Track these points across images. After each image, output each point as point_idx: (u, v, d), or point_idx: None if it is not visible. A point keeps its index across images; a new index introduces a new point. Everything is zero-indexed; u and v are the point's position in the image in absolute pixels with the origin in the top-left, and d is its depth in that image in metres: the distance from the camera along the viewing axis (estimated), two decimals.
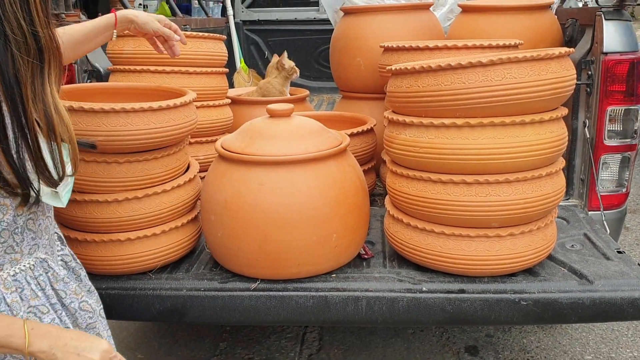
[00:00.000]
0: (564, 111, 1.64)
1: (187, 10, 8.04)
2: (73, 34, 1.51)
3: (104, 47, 2.39)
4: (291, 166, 1.56)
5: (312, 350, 2.96)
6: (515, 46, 2.05)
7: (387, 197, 1.88)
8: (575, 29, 2.54)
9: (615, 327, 3.11)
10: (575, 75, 1.62)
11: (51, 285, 1.14)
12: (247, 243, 1.58)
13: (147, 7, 6.05)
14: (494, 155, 1.52)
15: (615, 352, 2.92)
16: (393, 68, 1.67)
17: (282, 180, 1.55)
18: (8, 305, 1.05)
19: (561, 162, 1.69)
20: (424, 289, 1.64)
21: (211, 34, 2.24)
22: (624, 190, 2.29)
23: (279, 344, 3.00)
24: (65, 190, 1.07)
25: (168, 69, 2.13)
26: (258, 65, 4.67)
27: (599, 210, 2.22)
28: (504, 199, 1.56)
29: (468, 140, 1.53)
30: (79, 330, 1.17)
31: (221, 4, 5.18)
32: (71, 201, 1.54)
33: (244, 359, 2.86)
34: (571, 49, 1.59)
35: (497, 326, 3.16)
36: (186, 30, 3.33)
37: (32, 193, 0.99)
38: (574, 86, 1.62)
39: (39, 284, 1.11)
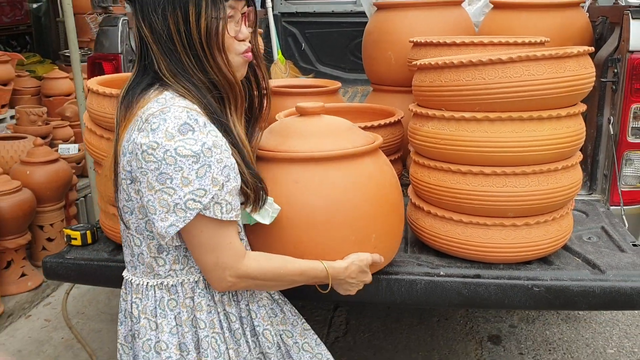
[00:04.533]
0: (582, 107, 1.71)
1: None
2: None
3: None
4: (327, 163, 1.48)
5: (338, 334, 3.08)
6: (542, 43, 2.11)
7: (410, 186, 1.97)
8: (605, 26, 2.57)
9: None
10: (594, 73, 1.69)
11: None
12: (282, 243, 1.48)
13: None
14: (511, 148, 1.61)
15: (639, 347, 2.96)
16: (418, 63, 1.76)
17: (318, 178, 1.47)
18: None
19: (578, 157, 1.76)
20: (442, 273, 1.74)
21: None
22: None
23: None
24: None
25: None
26: (295, 56, 4.77)
27: (623, 207, 2.27)
28: (520, 190, 1.65)
29: (487, 134, 1.62)
30: None
31: None
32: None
33: None
34: (590, 48, 1.66)
35: (520, 317, 3.23)
36: None
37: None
38: (592, 84, 1.69)
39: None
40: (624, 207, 2.26)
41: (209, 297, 1.34)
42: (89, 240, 1.92)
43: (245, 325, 1.41)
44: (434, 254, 1.85)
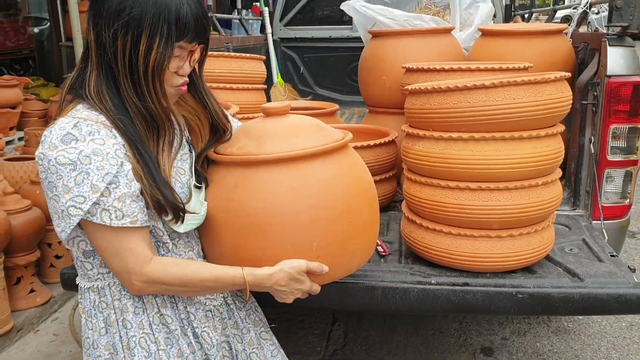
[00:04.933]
0: (560, 128, 1.86)
1: (227, 24, 8.43)
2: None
3: None
4: (266, 166, 1.39)
5: (337, 346, 3.19)
6: (525, 69, 2.28)
7: (404, 201, 2.12)
8: (587, 52, 2.74)
9: (627, 335, 3.26)
10: (570, 97, 1.84)
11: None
12: (224, 248, 1.43)
13: None
14: (494, 166, 1.76)
15: (626, 359, 3.07)
16: (409, 88, 1.92)
17: (256, 181, 1.39)
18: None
19: (558, 173, 1.91)
20: (433, 281, 1.88)
21: (253, 55, 2.53)
22: (627, 202, 2.48)
23: (307, 340, 3.24)
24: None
25: (214, 85, 2.42)
26: (294, 80, 4.95)
27: (603, 221, 2.42)
28: (503, 204, 1.79)
29: (473, 152, 1.77)
30: None
31: (260, 20, 5.49)
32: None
33: None
34: (567, 74, 1.82)
35: (512, 330, 3.35)
36: (229, 49, 3.65)
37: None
38: (569, 106, 1.84)
39: None
40: (605, 222, 2.40)
41: (137, 299, 1.38)
42: None
43: (186, 327, 1.44)
44: (426, 264, 1.99)
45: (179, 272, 1.32)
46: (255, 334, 1.60)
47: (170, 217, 1.33)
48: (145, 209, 1.30)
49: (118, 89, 1.28)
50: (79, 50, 3.49)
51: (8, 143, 4.33)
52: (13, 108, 4.40)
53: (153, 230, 1.36)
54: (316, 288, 1.44)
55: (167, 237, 1.38)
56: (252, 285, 1.36)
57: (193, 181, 1.42)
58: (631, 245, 4.56)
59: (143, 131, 1.30)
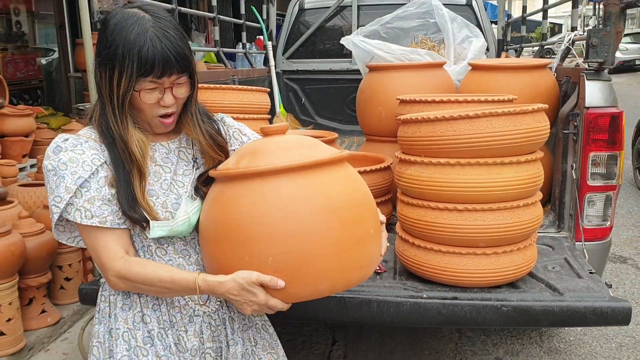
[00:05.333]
0: (539, 154, 2.04)
1: (232, 57, 8.70)
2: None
3: None
4: (232, 181, 1.42)
5: None
6: (510, 101, 2.46)
7: (398, 222, 2.29)
8: (569, 85, 2.94)
9: (616, 355, 3.39)
10: (548, 126, 2.03)
11: None
12: (204, 256, 1.49)
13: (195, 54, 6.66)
14: (478, 188, 1.93)
15: None
16: (402, 118, 2.11)
17: (225, 195, 1.42)
18: None
19: (538, 195, 2.08)
20: (424, 295, 2.04)
21: (259, 88, 2.72)
22: (608, 224, 2.64)
23: (308, 359, 3.37)
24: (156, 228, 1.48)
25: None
26: (295, 110, 5.14)
27: (585, 241, 2.58)
28: (488, 223, 1.96)
29: (459, 176, 1.95)
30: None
31: (264, 53, 5.72)
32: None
33: None
34: (544, 105, 2.00)
35: (505, 350, 3.48)
36: (234, 81, 3.86)
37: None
38: (547, 135, 2.03)
39: None
40: (587, 243, 2.56)
41: (125, 296, 1.52)
42: None
43: (167, 329, 1.53)
44: (418, 280, 2.15)
45: (141, 271, 1.42)
46: (244, 350, 1.61)
47: (131, 225, 1.48)
48: (120, 213, 1.44)
49: (105, 114, 1.46)
50: (92, 79, 3.68)
51: (21, 170, 4.52)
52: (26, 136, 4.60)
53: (140, 235, 1.50)
54: (274, 303, 1.38)
55: (153, 242, 1.51)
56: (203, 291, 1.40)
57: (187, 193, 1.53)
58: (622, 270, 4.70)
59: (120, 153, 1.46)
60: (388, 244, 1.57)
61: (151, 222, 1.46)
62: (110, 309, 1.53)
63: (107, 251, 1.43)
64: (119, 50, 1.37)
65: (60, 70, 8.30)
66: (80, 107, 6.31)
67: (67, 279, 3.77)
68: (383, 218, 1.57)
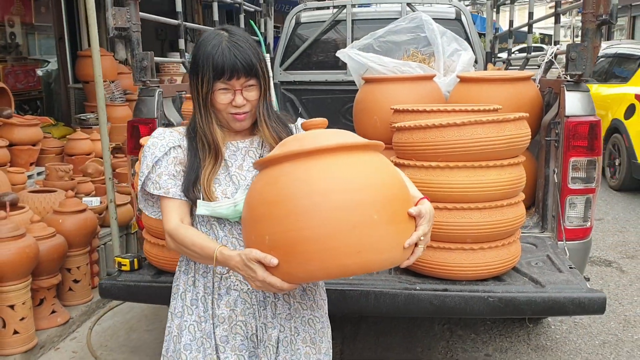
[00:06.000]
0: (521, 159, 2.24)
1: None
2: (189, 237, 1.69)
3: (179, 104, 3.08)
4: (261, 165, 1.54)
5: None
6: (495, 110, 2.66)
7: None
8: (551, 96, 3.15)
9: (600, 352, 3.57)
10: (529, 133, 2.23)
11: None
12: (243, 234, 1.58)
13: None
14: (466, 189, 2.13)
15: None
16: (396, 125, 2.30)
17: (262, 178, 1.52)
18: None
19: (521, 196, 2.28)
20: (417, 287, 2.22)
21: None
22: (588, 224, 2.84)
23: None
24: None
25: None
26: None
27: (567, 241, 2.77)
28: (475, 221, 2.16)
29: (448, 178, 2.14)
30: None
31: None
32: None
33: None
34: (525, 114, 2.20)
35: (495, 347, 3.66)
36: None
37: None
38: (528, 141, 2.23)
39: None
40: (569, 242, 2.76)
41: (186, 261, 1.78)
42: (136, 267, 2.39)
43: (208, 294, 1.73)
44: (411, 274, 2.34)
45: (183, 233, 1.66)
46: (283, 337, 1.72)
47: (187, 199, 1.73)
48: (181, 188, 1.71)
49: (195, 114, 1.77)
50: (100, 90, 3.87)
51: (28, 177, 4.68)
52: (34, 145, 4.77)
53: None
54: (272, 280, 1.47)
55: (215, 221, 1.74)
56: (219, 262, 1.57)
57: (246, 185, 1.72)
58: (607, 273, 4.91)
59: (200, 147, 1.74)
60: (423, 238, 1.50)
61: (198, 201, 1.69)
62: (178, 272, 1.81)
63: (166, 215, 1.71)
64: (200, 60, 1.67)
65: (59, 81, 8.45)
66: (82, 117, 6.48)
67: (76, 281, 3.93)
68: (418, 209, 1.50)
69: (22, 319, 3.33)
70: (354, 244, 1.38)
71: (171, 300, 1.81)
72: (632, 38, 23.86)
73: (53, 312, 3.69)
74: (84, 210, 3.94)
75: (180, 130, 1.81)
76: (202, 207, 1.68)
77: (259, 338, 1.74)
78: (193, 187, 1.71)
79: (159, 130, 1.80)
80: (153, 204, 1.84)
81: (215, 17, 4.53)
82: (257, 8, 5.62)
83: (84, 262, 3.97)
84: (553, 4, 3.98)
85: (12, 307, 3.28)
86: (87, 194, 4.71)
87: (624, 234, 5.80)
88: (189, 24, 4.05)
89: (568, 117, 2.74)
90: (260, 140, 1.80)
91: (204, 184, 1.70)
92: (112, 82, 6.28)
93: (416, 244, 1.51)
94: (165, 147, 1.73)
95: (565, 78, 2.91)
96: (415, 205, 1.54)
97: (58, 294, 3.85)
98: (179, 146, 1.75)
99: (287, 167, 1.45)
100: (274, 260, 1.44)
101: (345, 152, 1.45)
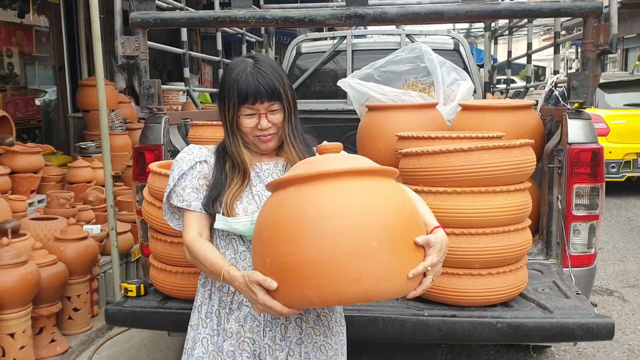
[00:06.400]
0: (527, 184, 2.26)
1: None
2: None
3: (184, 131, 3.10)
4: (272, 187, 1.53)
5: None
6: (499, 137, 2.69)
7: None
8: (553, 124, 3.19)
9: None
10: (534, 159, 2.25)
11: None
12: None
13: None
14: (473, 214, 2.14)
15: None
16: (403, 151, 2.32)
17: (269, 201, 1.53)
18: None
19: (527, 222, 2.29)
20: (426, 314, 2.21)
21: None
22: (593, 251, 2.85)
23: None
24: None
25: None
26: None
27: (572, 267, 2.78)
28: (482, 246, 2.16)
29: (455, 203, 2.16)
30: None
31: None
32: None
33: None
34: (530, 140, 2.23)
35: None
36: None
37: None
38: (534, 167, 2.25)
39: None
40: (573, 269, 2.76)
41: (204, 275, 1.80)
42: (142, 292, 2.37)
43: (222, 308, 1.75)
44: (419, 300, 2.33)
45: (198, 246, 1.70)
46: (280, 358, 1.69)
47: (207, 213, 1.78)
48: (203, 201, 1.76)
49: (225, 136, 1.84)
50: (104, 118, 3.89)
51: (29, 205, 4.67)
52: (35, 173, 4.77)
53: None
54: (272, 304, 1.46)
55: (235, 235, 1.77)
56: (226, 281, 1.59)
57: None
58: (609, 302, 4.89)
59: (229, 166, 1.80)
60: (431, 268, 1.45)
61: (217, 215, 1.73)
62: (198, 284, 1.85)
63: (186, 227, 1.77)
64: (227, 86, 1.75)
65: (58, 110, 8.49)
66: (83, 146, 6.50)
67: (76, 310, 3.89)
68: (426, 239, 1.47)
69: (22, 347, 3.28)
70: (351, 271, 1.34)
71: (191, 313, 1.85)
72: (625, 70, 24.29)
73: (52, 340, 3.64)
74: (85, 238, 3.92)
75: (210, 148, 1.87)
76: (220, 222, 1.73)
77: (261, 358, 1.72)
78: (214, 202, 1.76)
79: (190, 146, 1.88)
80: (179, 217, 1.87)
81: (219, 46, 4.59)
82: (259, 38, 5.70)
83: (84, 290, 3.93)
84: (546, 37, 4.06)
85: (12, 335, 3.24)
86: (88, 222, 4.69)
87: (624, 263, 5.80)
88: (193, 53, 4.11)
89: (571, 144, 2.77)
90: (284, 162, 1.85)
91: (227, 201, 1.74)
92: (113, 111, 6.32)
93: (425, 274, 1.47)
94: (191, 161, 1.80)
95: (566, 106, 2.95)
96: (429, 233, 1.52)
97: (57, 323, 3.80)
98: (205, 161, 1.82)
99: (292, 191, 1.45)
100: (273, 284, 1.44)
101: (352, 177, 1.43)
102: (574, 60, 25.60)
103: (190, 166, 1.80)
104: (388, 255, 1.37)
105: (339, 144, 1.61)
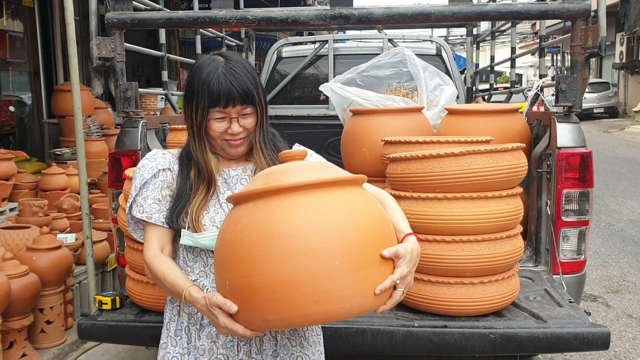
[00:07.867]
0: (519, 190, 2.19)
1: None
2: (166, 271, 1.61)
3: (162, 136, 2.98)
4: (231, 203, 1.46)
5: None
6: (487, 142, 2.62)
7: None
8: (540, 128, 3.14)
9: None
10: (526, 164, 2.19)
11: None
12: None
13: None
14: (464, 221, 2.06)
15: None
16: (391, 156, 2.24)
17: (226, 219, 1.44)
18: None
19: (519, 228, 2.22)
20: (416, 324, 2.13)
21: None
22: (582, 258, 2.79)
23: None
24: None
25: None
26: None
27: (562, 274, 2.71)
28: (474, 254, 2.09)
29: (446, 210, 2.08)
30: None
31: None
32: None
33: None
34: (522, 144, 2.17)
35: None
36: None
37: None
38: (525, 171, 2.18)
39: None
40: (564, 276, 2.70)
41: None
42: (118, 305, 2.25)
43: (192, 325, 1.65)
44: (409, 310, 2.24)
45: (158, 265, 1.59)
46: None
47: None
48: (166, 213, 1.66)
49: (190, 140, 1.72)
50: (79, 123, 3.76)
51: (0, 213, 4.50)
52: (6, 180, 4.60)
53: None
54: (234, 328, 1.39)
55: (204, 252, 1.66)
56: (188, 301, 1.51)
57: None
58: (593, 308, 4.87)
59: (193, 173, 1.68)
60: (400, 281, 1.37)
61: (182, 231, 1.62)
62: (167, 301, 1.74)
63: (147, 242, 1.67)
64: (195, 87, 1.62)
65: (32, 116, 8.30)
66: (57, 152, 6.32)
67: (48, 322, 3.73)
68: (394, 250, 1.38)
69: None
70: (312, 293, 1.26)
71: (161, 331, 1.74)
72: (600, 77, 24.65)
73: (24, 355, 3.48)
74: (59, 247, 3.77)
75: (174, 152, 1.75)
76: (186, 237, 1.64)
77: None
78: (178, 217, 1.64)
79: (152, 152, 1.76)
80: (143, 227, 1.73)
81: (198, 50, 4.49)
82: (239, 42, 5.61)
83: (57, 301, 3.78)
84: (522, 44, 4.03)
85: None
86: (62, 231, 4.53)
87: (606, 269, 5.80)
88: (171, 56, 4.00)
89: (560, 148, 2.71)
90: (253, 167, 1.74)
91: (193, 213, 1.64)
92: (89, 116, 6.17)
93: (395, 287, 1.39)
94: (154, 169, 1.69)
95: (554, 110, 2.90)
96: (401, 242, 1.45)
97: (29, 336, 3.64)
98: (169, 169, 1.71)
99: (249, 207, 1.36)
100: (233, 307, 1.37)
101: (312, 190, 1.33)
102: (549, 68, 25.96)
103: (153, 174, 1.69)
104: (351, 273, 1.28)
105: (302, 150, 1.52)
